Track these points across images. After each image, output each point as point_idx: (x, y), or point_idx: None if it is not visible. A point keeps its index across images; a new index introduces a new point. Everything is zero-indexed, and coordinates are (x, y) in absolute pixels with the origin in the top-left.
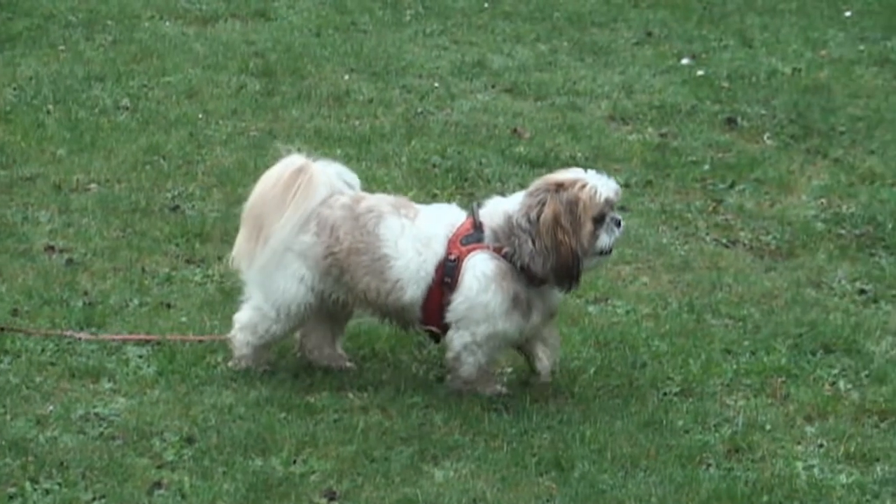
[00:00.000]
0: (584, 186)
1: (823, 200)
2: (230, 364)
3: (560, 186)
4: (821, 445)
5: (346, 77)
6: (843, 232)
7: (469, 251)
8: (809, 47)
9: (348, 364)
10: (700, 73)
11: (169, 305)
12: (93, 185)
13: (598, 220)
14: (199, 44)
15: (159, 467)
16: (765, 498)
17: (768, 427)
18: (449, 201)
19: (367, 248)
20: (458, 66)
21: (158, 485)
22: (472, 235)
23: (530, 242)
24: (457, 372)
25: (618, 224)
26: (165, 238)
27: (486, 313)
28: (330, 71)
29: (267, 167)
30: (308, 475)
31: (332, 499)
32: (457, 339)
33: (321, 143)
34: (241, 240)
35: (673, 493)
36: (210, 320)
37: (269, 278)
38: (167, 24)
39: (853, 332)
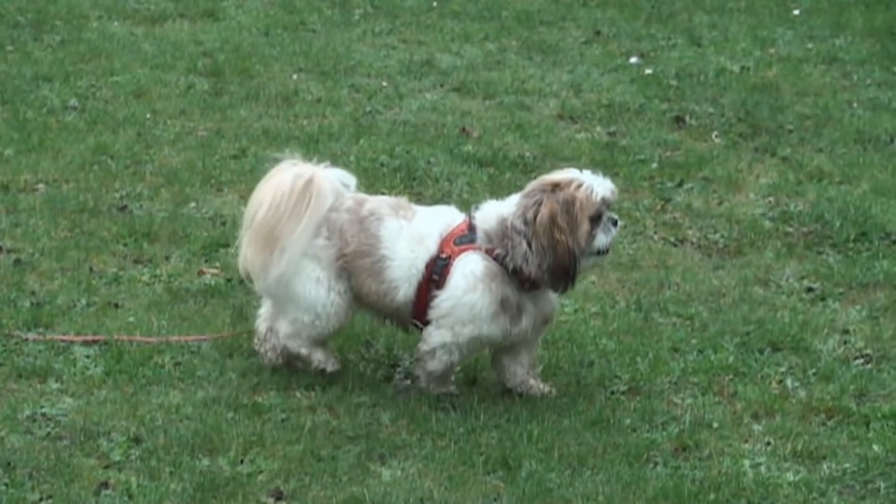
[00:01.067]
0: (580, 186)
1: (771, 199)
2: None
3: (556, 186)
4: (768, 443)
5: (295, 76)
6: (790, 230)
7: (461, 251)
8: (758, 46)
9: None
10: (648, 71)
11: (117, 305)
12: (40, 186)
13: (595, 220)
14: (148, 44)
15: (106, 467)
16: (711, 496)
17: (715, 425)
18: None
19: (370, 251)
20: (407, 66)
21: (105, 485)
22: (466, 236)
23: (525, 244)
24: (424, 364)
25: (615, 223)
26: (113, 238)
27: (471, 314)
28: (278, 70)
29: (215, 166)
30: (255, 475)
31: (279, 498)
32: (436, 335)
33: (269, 143)
34: (251, 252)
35: (620, 492)
36: (157, 320)
37: (288, 287)
38: (115, 24)
39: (801, 330)
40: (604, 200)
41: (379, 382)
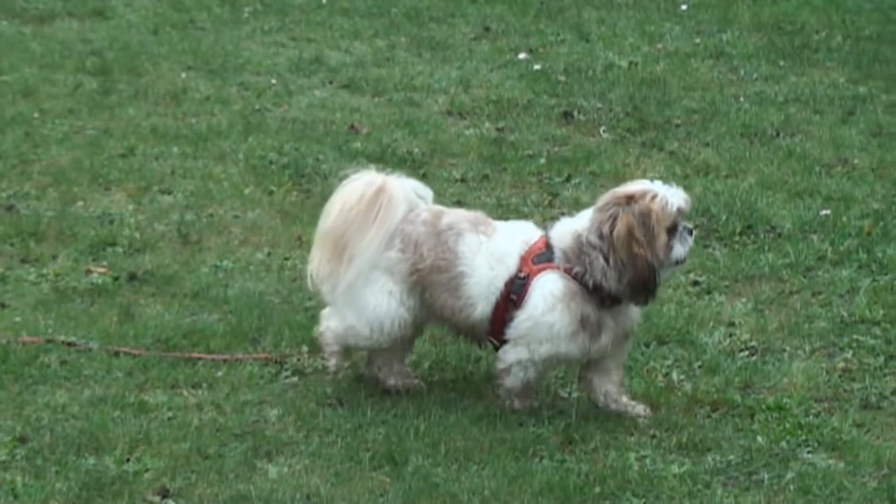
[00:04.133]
0: (654, 197)
1: None
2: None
3: (631, 199)
4: (653, 436)
5: (184, 75)
6: None
7: (539, 270)
8: (646, 41)
9: (417, 381)
10: (537, 67)
11: (3, 305)
12: None
13: (671, 231)
14: (36, 43)
15: None
16: (597, 489)
17: (602, 418)
18: (285, 197)
19: (448, 266)
20: (296, 63)
21: None
22: (544, 255)
23: (602, 259)
24: (501, 381)
25: (690, 232)
26: (0, 237)
27: (550, 334)
28: (167, 69)
29: (103, 165)
30: (141, 473)
31: (164, 496)
32: (511, 353)
33: (157, 142)
34: (320, 261)
35: (506, 486)
36: (45, 319)
37: (357, 296)
38: (3, 23)
39: (686, 323)
40: (679, 211)
41: (266, 381)
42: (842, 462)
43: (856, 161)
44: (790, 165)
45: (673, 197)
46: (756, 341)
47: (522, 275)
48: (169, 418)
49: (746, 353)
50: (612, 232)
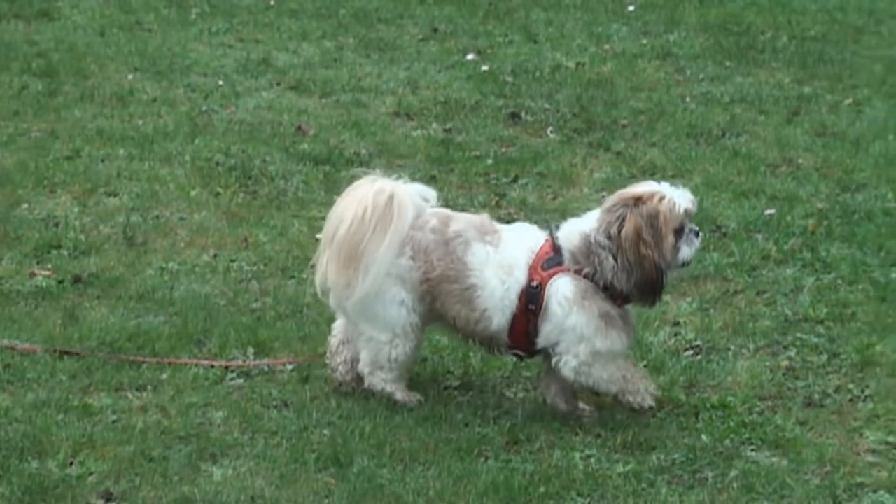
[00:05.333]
0: (662, 199)
1: (605, 193)
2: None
3: (638, 200)
4: (598, 435)
5: (130, 76)
6: None
7: (550, 276)
8: (593, 42)
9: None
10: (485, 68)
11: None
12: None
13: (679, 232)
14: None
15: None
16: (542, 489)
17: (547, 418)
18: (231, 199)
19: (458, 277)
20: (244, 64)
21: None
22: (553, 259)
23: (611, 258)
24: (588, 388)
25: (696, 234)
26: None
27: (577, 335)
28: (114, 70)
29: (49, 167)
30: (85, 477)
31: (108, 500)
32: (564, 366)
33: (103, 143)
34: (333, 270)
35: (451, 486)
36: None
37: (370, 306)
38: None
39: None
40: (686, 212)
41: (211, 382)
42: (785, 460)
43: (800, 161)
44: (735, 165)
45: (680, 199)
46: (701, 340)
47: (535, 284)
48: (113, 421)
49: (691, 352)
50: (620, 233)
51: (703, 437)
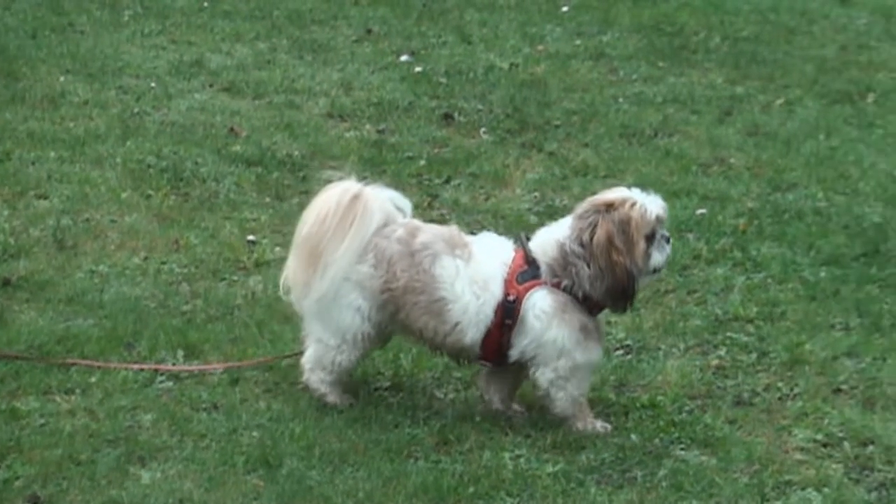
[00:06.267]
0: (634, 205)
1: (537, 193)
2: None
3: (610, 206)
4: (528, 436)
5: (62, 78)
6: None
7: (526, 290)
8: (527, 42)
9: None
10: (418, 69)
11: None
12: None
13: (650, 238)
14: None
15: None
16: (471, 489)
17: (478, 419)
18: (163, 201)
19: (424, 289)
20: (176, 66)
21: None
22: (528, 272)
23: (586, 266)
24: (552, 409)
25: (667, 240)
26: None
27: (557, 349)
28: (45, 72)
29: None
30: (11, 481)
31: (35, 503)
32: (540, 377)
33: (34, 146)
34: (294, 270)
35: (380, 487)
36: None
37: (326, 308)
38: None
39: None
40: (657, 218)
41: (140, 385)
42: (714, 458)
43: (732, 160)
44: (668, 165)
45: (651, 205)
46: (631, 340)
47: (511, 298)
48: (41, 425)
49: (622, 351)
50: (591, 239)
51: (633, 436)
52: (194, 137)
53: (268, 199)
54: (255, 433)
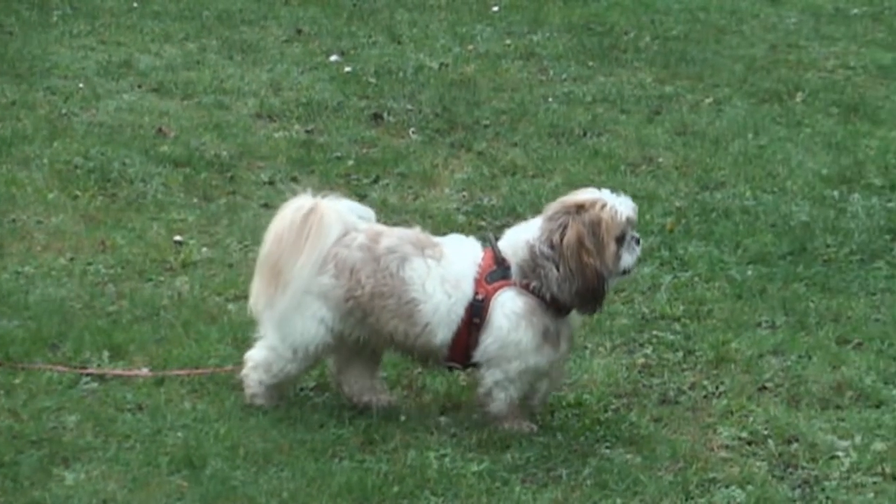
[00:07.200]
0: (604, 206)
1: (465, 193)
2: (247, 401)
3: (580, 208)
4: (453, 435)
5: None
6: (483, 223)
7: (495, 289)
8: (457, 42)
9: (385, 397)
10: (348, 69)
11: None
12: None
13: (620, 240)
14: None
15: None
16: (395, 488)
17: (403, 418)
18: (90, 202)
19: (393, 292)
20: (105, 67)
21: None
22: (497, 272)
23: (555, 268)
24: (487, 407)
25: (637, 242)
26: None
27: (517, 350)
28: None
29: None
30: None
31: None
32: (488, 376)
33: None
34: (258, 286)
35: (305, 487)
36: None
37: (287, 320)
38: None
39: None
40: (628, 220)
41: (65, 386)
42: (639, 457)
43: (660, 160)
44: (596, 164)
45: (621, 206)
46: None
47: (480, 297)
48: None
49: None
50: (562, 241)
51: (559, 435)
52: (122, 138)
53: (195, 200)
54: (179, 434)
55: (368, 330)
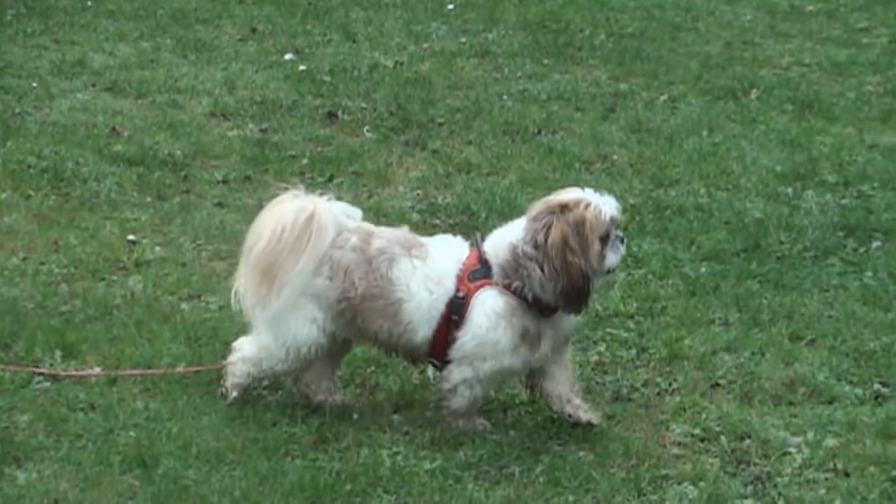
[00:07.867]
0: (588, 206)
1: (420, 191)
2: (223, 390)
3: (564, 207)
4: (406, 433)
5: None
6: (438, 222)
7: (476, 288)
8: (412, 40)
9: (339, 398)
10: (303, 68)
11: None
12: None
13: (605, 239)
14: None
15: None
16: (348, 486)
17: (356, 416)
18: (43, 202)
19: (382, 293)
20: (59, 66)
21: None
22: (479, 271)
23: (538, 269)
24: (448, 402)
25: (622, 241)
26: None
27: (494, 350)
28: None
29: None
30: None
31: None
32: (457, 373)
33: None
34: (248, 283)
35: (257, 486)
36: None
37: (281, 320)
38: None
39: None
40: (612, 219)
41: (17, 386)
42: (591, 454)
43: (615, 157)
44: (551, 162)
45: (606, 206)
46: None
47: (461, 294)
48: None
49: None
50: (546, 241)
51: (511, 432)
52: (76, 137)
53: (149, 199)
54: (131, 433)
55: (355, 330)
